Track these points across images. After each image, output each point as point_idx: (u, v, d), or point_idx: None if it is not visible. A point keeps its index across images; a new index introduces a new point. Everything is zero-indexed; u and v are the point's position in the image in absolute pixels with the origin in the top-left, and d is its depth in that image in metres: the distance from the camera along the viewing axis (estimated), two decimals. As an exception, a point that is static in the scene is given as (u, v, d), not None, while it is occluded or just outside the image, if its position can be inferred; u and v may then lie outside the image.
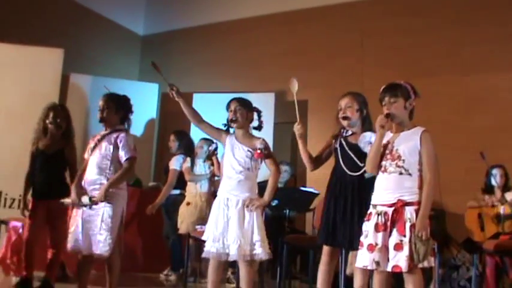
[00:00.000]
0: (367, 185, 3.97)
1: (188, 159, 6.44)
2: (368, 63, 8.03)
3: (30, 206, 5.05)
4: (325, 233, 4.13)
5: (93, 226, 4.42)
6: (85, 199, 4.44)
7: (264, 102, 7.13)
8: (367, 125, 4.17)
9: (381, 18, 8.07)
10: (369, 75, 7.74)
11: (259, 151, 4.27)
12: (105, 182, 4.48)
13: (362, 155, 4.03)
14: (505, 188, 6.04)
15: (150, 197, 6.82)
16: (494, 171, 6.09)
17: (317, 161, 4.36)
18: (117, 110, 4.68)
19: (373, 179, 3.93)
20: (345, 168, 4.11)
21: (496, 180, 6.04)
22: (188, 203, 6.21)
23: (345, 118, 4.18)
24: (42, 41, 7.39)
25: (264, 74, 8.74)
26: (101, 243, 4.38)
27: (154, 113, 9.03)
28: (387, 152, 3.64)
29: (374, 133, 3.98)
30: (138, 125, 8.53)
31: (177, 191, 6.61)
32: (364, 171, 4.01)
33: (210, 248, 4.23)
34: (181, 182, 6.50)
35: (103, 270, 4.62)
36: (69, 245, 4.51)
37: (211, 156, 6.35)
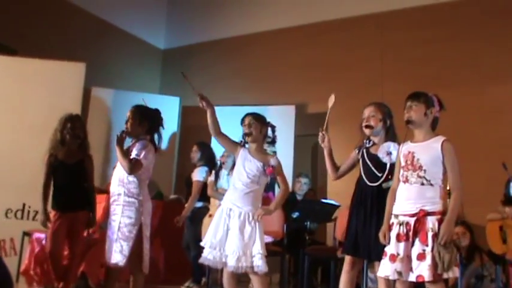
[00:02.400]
0: (386, 195, 3.98)
1: (213, 172, 6.47)
2: (388, 75, 8.02)
3: (52, 219, 5.03)
4: (347, 243, 4.16)
5: (110, 235, 4.48)
6: (104, 224, 4.57)
7: (284, 114, 7.18)
8: (390, 135, 4.19)
9: (401, 30, 8.07)
10: (388, 87, 7.73)
11: (271, 168, 4.32)
12: (122, 192, 4.53)
13: (381, 165, 4.07)
14: None
15: (172, 209, 6.86)
16: None
17: (339, 171, 4.39)
18: (141, 121, 4.72)
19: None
20: (365, 179, 4.14)
21: None
22: (211, 215, 6.24)
23: (367, 127, 4.21)
24: (64, 55, 7.47)
25: (284, 86, 8.78)
26: (116, 252, 4.42)
27: (176, 126, 9.08)
28: (408, 162, 3.66)
29: (394, 143, 4.02)
30: (159, 138, 8.59)
31: (201, 203, 6.64)
32: (382, 182, 4.04)
33: (208, 254, 4.27)
34: (204, 195, 6.54)
35: (127, 282, 4.67)
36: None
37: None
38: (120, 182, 4.56)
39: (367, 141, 4.26)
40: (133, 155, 4.54)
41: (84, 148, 5.17)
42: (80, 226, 5.01)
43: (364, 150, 4.24)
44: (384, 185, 4.04)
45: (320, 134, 4.31)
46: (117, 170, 4.63)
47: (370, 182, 4.10)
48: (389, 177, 4.05)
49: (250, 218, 4.26)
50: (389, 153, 4.01)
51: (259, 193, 4.41)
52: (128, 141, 4.75)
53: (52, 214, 5.04)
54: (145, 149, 4.59)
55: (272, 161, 4.36)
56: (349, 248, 4.13)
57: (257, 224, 4.27)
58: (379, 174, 4.07)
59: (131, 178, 4.55)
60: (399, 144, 4.03)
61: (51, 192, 5.09)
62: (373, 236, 3.95)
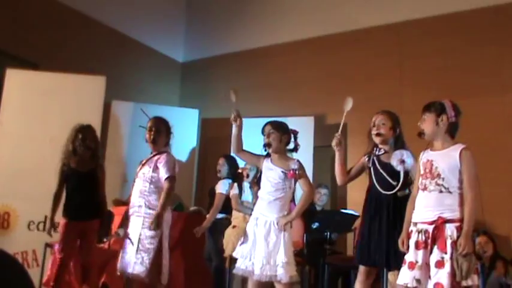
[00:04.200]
0: (402, 203, 3.98)
1: (235, 185, 6.46)
2: (407, 85, 8.00)
3: (62, 227, 5.08)
4: (361, 253, 4.14)
5: (135, 248, 4.50)
6: (121, 231, 4.56)
7: (303, 125, 7.15)
8: (399, 143, 4.19)
9: (420, 39, 8.05)
10: (408, 97, 7.71)
11: (292, 171, 4.32)
12: (143, 204, 4.56)
13: (395, 174, 4.06)
14: None
15: (192, 221, 6.86)
16: None
17: (348, 176, 4.37)
18: (167, 134, 4.80)
19: (407, 197, 3.95)
20: (378, 187, 4.11)
21: None
22: (234, 226, 6.22)
23: (378, 135, 4.21)
24: (84, 69, 7.54)
25: (303, 97, 8.78)
26: (137, 264, 4.45)
27: (195, 139, 9.12)
28: (427, 170, 3.65)
29: (406, 151, 4.01)
30: (179, 150, 8.57)
31: (222, 215, 6.65)
32: (398, 190, 4.02)
33: (240, 265, 4.30)
34: (226, 207, 6.54)
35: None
36: (118, 265, 4.61)
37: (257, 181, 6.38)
38: (141, 194, 4.61)
39: (377, 149, 4.24)
40: (163, 172, 4.66)
41: (96, 158, 5.19)
42: (91, 235, 5.02)
43: (375, 158, 4.22)
44: (399, 194, 4.04)
45: (336, 137, 4.27)
46: (138, 181, 4.67)
47: (385, 191, 4.08)
48: (404, 185, 4.05)
49: (276, 226, 4.27)
50: (402, 161, 4.01)
51: (285, 201, 4.39)
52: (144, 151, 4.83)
53: (62, 222, 5.08)
54: (171, 162, 4.72)
55: (292, 165, 4.36)
56: (363, 258, 4.11)
57: (283, 232, 4.28)
58: (394, 183, 4.06)
59: (152, 190, 4.59)
60: (411, 152, 4.05)
61: (62, 201, 5.15)
62: (392, 244, 3.93)
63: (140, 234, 4.50)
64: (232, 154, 6.97)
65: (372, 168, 4.23)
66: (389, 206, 4.05)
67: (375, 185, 4.16)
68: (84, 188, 5.06)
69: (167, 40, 10.45)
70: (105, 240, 5.21)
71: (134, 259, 4.46)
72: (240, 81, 9.49)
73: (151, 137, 4.72)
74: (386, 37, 8.40)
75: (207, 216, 6.63)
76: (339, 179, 4.37)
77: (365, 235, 4.13)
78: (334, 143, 4.27)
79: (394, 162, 4.04)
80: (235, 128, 4.43)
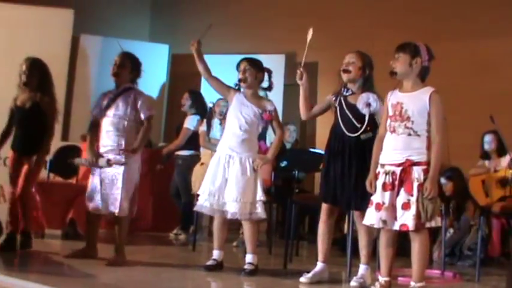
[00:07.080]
0: (365, 146, 4.00)
1: (204, 121, 6.44)
2: (379, 25, 7.96)
3: (10, 160, 5.08)
4: (325, 192, 4.16)
5: (112, 186, 4.51)
6: (102, 161, 4.51)
7: (274, 63, 7.09)
8: (368, 86, 4.14)
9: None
10: (379, 38, 7.67)
11: (268, 113, 4.32)
12: (122, 142, 4.54)
13: (360, 116, 4.04)
14: (499, 152, 6.13)
15: (160, 157, 6.88)
16: (487, 138, 6.25)
17: (311, 112, 4.35)
18: (132, 70, 4.74)
19: (370, 140, 3.96)
20: (343, 128, 4.10)
21: (489, 146, 6.22)
22: (202, 163, 6.21)
23: (345, 71, 4.15)
24: (51, 2, 7.35)
25: (274, 35, 8.71)
26: (119, 202, 4.46)
27: (165, 74, 9.03)
28: (396, 112, 3.64)
29: (373, 94, 4.00)
30: (148, 85, 8.48)
31: (191, 152, 6.65)
32: (361, 133, 4.03)
33: (204, 202, 4.33)
34: (195, 143, 6.53)
35: (112, 228, 4.71)
36: (90, 204, 4.60)
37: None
38: (119, 132, 4.58)
39: (345, 89, 4.20)
40: (142, 113, 4.66)
41: (43, 89, 5.01)
42: (34, 171, 4.97)
43: (342, 99, 4.19)
44: (363, 137, 4.04)
45: (298, 71, 4.22)
46: (111, 118, 4.62)
47: (349, 132, 4.07)
48: (368, 128, 4.04)
49: (251, 163, 4.31)
50: (368, 105, 3.98)
51: (255, 139, 4.48)
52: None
53: (10, 155, 5.07)
54: (147, 101, 4.78)
55: (269, 106, 4.38)
56: (327, 197, 4.14)
57: (257, 171, 4.33)
58: (358, 125, 4.05)
59: (130, 128, 4.59)
60: (378, 95, 4.04)
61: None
62: (352, 185, 4.00)
63: (126, 172, 4.50)
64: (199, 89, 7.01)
65: (338, 108, 4.19)
66: (352, 148, 4.05)
67: (340, 125, 4.13)
68: (26, 123, 4.96)
69: (138, -28, 10.20)
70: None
71: (116, 198, 4.48)
72: (210, 17, 9.30)
73: (114, 70, 4.67)
74: (360, -25, 8.32)
75: (169, 146, 6.66)
76: (302, 114, 4.35)
77: (329, 174, 4.14)
78: (297, 77, 4.23)
79: (360, 105, 4.01)
80: (195, 54, 4.54)
